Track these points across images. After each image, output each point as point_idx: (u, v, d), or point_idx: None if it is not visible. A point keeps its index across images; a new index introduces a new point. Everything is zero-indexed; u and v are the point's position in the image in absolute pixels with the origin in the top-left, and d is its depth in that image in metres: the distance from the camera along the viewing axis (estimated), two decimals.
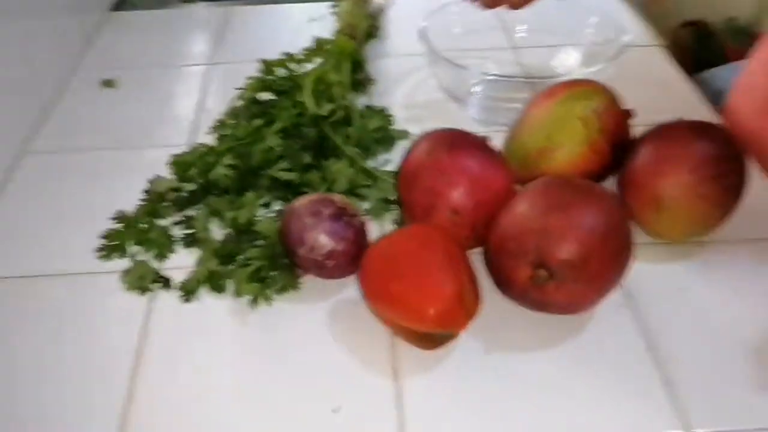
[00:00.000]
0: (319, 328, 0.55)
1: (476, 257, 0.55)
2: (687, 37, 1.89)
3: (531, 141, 0.60)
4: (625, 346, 0.52)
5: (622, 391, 0.49)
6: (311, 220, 0.55)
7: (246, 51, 0.89)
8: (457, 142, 0.57)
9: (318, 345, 0.53)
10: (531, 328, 0.54)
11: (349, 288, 0.57)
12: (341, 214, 0.56)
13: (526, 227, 0.51)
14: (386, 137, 0.72)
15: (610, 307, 0.54)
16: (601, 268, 0.50)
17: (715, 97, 0.83)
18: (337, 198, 0.57)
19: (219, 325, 0.55)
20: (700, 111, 0.76)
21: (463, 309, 0.50)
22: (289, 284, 0.57)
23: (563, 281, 0.50)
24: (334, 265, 0.55)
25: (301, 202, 0.57)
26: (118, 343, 0.54)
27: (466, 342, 0.52)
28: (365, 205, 0.64)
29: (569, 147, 0.60)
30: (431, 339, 0.51)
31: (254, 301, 0.55)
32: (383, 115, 0.73)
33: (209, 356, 0.53)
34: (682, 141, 0.58)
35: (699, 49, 1.90)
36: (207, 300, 0.57)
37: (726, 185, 0.56)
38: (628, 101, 0.64)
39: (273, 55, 0.80)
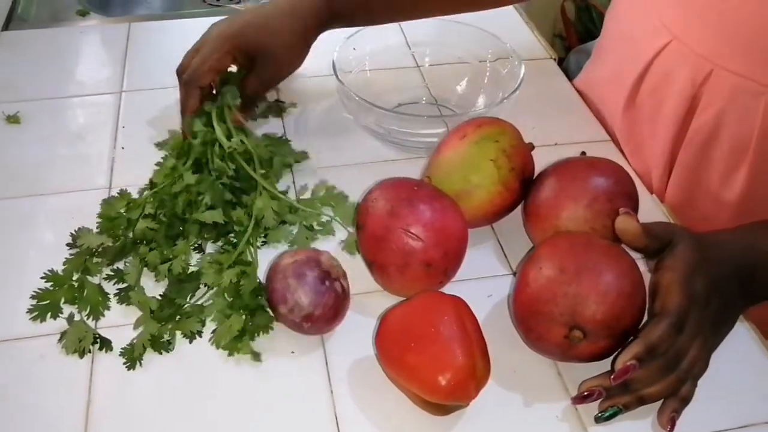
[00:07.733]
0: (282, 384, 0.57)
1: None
2: (570, 10, 1.99)
3: (449, 182, 0.64)
4: None
5: None
6: (294, 281, 0.57)
7: (153, 75, 0.87)
8: (413, 196, 0.60)
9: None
10: None
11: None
12: (325, 278, 0.58)
13: (559, 291, 0.53)
14: (287, 163, 0.74)
15: None
16: (630, 323, 0.54)
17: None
18: (324, 259, 0.59)
19: (163, 386, 0.57)
20: (589, 124, 0.83)
21: (474, 381, 0.53)
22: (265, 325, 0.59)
23: (596, 339, 0.54)
24: (311, 326, 0.58)
25: (288, 260, 0.58)
26: (63, 411, 0.55)
27: None
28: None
29: (485, 187, 0.64)
30: (442, 408, 0.54)
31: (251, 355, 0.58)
32: (283, 142, 0.76)
33: (155, 419, 0.55)
34: (581, 177, 0.64)
35: (579, 22, 2.01)
36: (148, 357, 0.58)
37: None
38: (526, 117, 0.70)
39: None
